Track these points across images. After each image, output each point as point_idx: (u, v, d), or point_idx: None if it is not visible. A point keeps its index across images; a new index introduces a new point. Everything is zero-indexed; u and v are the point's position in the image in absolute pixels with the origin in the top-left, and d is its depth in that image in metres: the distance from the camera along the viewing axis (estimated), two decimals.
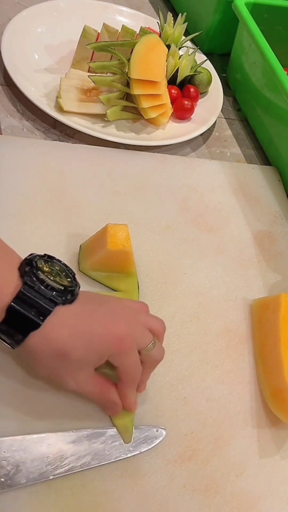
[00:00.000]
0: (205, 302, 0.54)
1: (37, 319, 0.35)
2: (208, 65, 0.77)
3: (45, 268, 0.38)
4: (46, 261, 0.39)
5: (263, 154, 0.74)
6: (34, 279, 0.36)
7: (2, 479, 0.37)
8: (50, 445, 0.40)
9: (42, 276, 0.36)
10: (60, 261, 0.40)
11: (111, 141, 0.62)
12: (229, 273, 0.57)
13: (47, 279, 0.36)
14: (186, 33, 0.73)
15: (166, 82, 0.68)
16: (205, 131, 0.70)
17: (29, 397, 0.42)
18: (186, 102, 0.69)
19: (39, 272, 0.36)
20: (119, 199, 0.59)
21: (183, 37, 0.72)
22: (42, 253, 0.39)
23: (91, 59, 0.69)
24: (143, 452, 0.43)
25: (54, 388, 0.43)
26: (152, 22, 0.78)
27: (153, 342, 0.41)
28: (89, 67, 0.67)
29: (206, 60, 0.75)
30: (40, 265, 0.37)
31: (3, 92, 0.65)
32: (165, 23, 0.70)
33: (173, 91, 0.70)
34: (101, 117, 0.65)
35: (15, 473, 0.38)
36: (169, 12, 0.71)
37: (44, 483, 0.39)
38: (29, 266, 0.37)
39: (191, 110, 0.69)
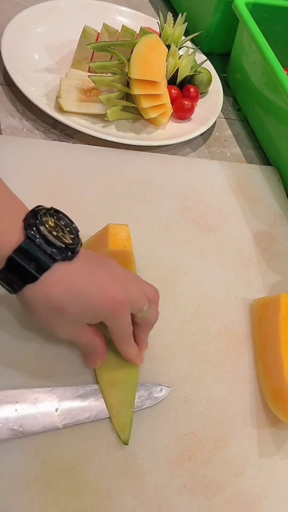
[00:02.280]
0: (205, 302, 0.54)
1: (35, 273, 0.36)
2: (208, 65, 0.77)
3: (50, 222, 0.38)
4: (51, 214, 0.39)
5: (263, 154, 0.74)
6: (37, 233, 0.36)
7: (15, 427, 0.40)
8: (58, 398, 0.42)
9: (45, 231, 0.36)
10: (66, 216, 0.40)
11: (111, 141, 0.62)
12: (229, 273, 0.57)
13: (49, 235, 0.37)
14: (186, 33, 0.73)
15: (166, 82, 0.68)
16: (205, 131, 0.70)
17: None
18: (186, 102, 0.69)
19: (42, 226, 0.37)
20: (119, 199, 0.59)
21: (183, 37, 0.72)
22: (49, 206, 0.39)
23: (91, 59, 0.69)
24: (147, 407, 0.45)
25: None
26: (152, 22, 0.78)
27: (148, 305, 0.42)
28: (89, 67, 0.67)
29: (206, 60, 0.75)
30: (45, 219, 0.37)
31: (3, 92, 0.65)
32: (165, 23, 0.70)
33: (173, 91, 0.70)
34: (101, 117, 0.65)
35: (26, 422, 0.40)
36: (169, 12, 0.71)
37: (44, 483, 0.39)
38: (34, 219, 0.37)
39: (191, 110, 0.69)
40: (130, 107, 0.66)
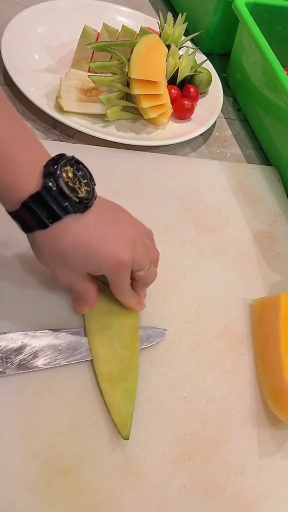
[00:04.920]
0: (205, 302, 0.54)
1: (46, 221, 0.37)
2: (208, 65, 0.77)
3: (69, 173, 0.38)
4: (72, 164, 0.39)
5: (263, 154, 0.74)
6: (54, 183, 0.37)
7: (22, 363, 0.43)
8: (62, 338, 0.45)
9: (62, 183, 0.37)
10: (86, 168, 0.41)
11: (111, 141, 0.62)
12: (229, 273, 0.57)
13: (66, 187, 0.37)
14: (186, 33, 0.73)
15: (166, 82, 0.68)
16: (205, 131, 0.70)
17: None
18: (186, 102, 0.69)
19: (60, 178, 0.37)
20: (119, 199, 0.58)
21: (183, 37, 0.72)
22: (71, 155, 0.40)
23: (91, 59, 0.69)
24: (145, 347, 0.48)
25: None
26: (152, 22, 0.78)
27: (149, 265, 0.45)
28: (89, 67, 0.67)
29: (206, 60, 0.75)
30: (65, 169, 0.38)
31: (3, 92, 0.65)
32: (165, 23, 0.70)
33: (173, 91, 0.70)
34: (101, 117, 0.65)
35: (32, 359, 0.43)
36: (169, 12, 0.71)
37: (44, 483, 0.39)
38: (54, 168, 0.37)
39: (191, 110, 0.69)
40: (130, 107, 0.66)
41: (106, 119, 0.64)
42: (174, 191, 0.62)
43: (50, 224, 0.38)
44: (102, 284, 0.49)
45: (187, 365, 0.49)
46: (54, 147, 0.60)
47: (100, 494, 0.40)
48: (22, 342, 0.44)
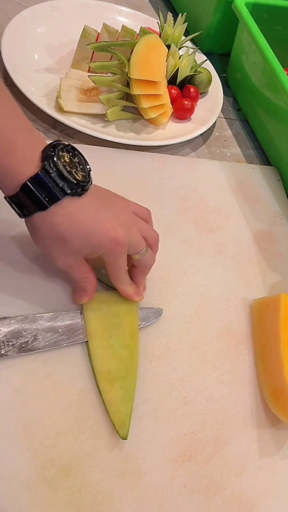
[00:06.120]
0: (205, 302, 0.54)
1: (45, 202, 0.39)
2: (208, 65, 0.77)
3: (65, 157, 0.40)
4: (68, 150, 0.41)
5: (263, 154, 0.74)
6: (52, 166, 0.39)
7: (23, 346, 0.44)
8: (61, 320, 0.46)
9: (60, 165, 0.39)
10: (81, 155, 0.43)
11: (111, 141, 0.62)
12: (229, 273, 0.57)
13: (63, 169, 0.39)
14: (186, 33, 0.73)
15: (166, 82, 0.68)
16: (205, 131, 0.70)
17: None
18: (186, 102, 0.69)
19: (58, 161, 0.39)
20: None
21: (183, 37, 0.72)
22: (67, 143, 0.42)
23: (91, 59, 0.69)
24: (142, 327, 0.49)
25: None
26: (152, 22, 0.78)
27: (146, 249, 0.45)
28: (89, 67, 0.67)
29: (206, 60, 0.75)
30: (62, 154, 0.40)
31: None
32: (165, 23, 0.70)
33: (173, 91, 0.70)
34: (101, 117, 0.65)
35: (33, 341, 0.44)
36: (169, 12, 0.71)
37: (44, 483, 0.39)
38: (52, 152, 0.39)
39: (191, 110, 0.69)
40: (130, 107, 0.66)
41: (106, 119, 0.64)
42: (174, 191, 0.62)
43: (49, 206, 0.39)
44: (105, 285, 0.49)
45: (187, 365, 0.49)
46: None
47: (100, 494, 0.40)
48: (22, 326, 0.44)
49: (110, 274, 0.46)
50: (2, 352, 0.42)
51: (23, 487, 0.39)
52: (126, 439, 0.42)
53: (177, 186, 0.63)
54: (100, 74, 0.65)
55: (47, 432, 0.41)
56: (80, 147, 0.62)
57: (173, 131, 0.68)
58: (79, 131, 0.61)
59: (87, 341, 0.46)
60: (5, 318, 0.44)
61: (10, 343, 0.43)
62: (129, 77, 0.62)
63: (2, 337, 0.43)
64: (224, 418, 0.47)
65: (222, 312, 0.54)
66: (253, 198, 0.66)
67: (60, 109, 0.63)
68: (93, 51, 0.67)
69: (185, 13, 0.70)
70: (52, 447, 0.41)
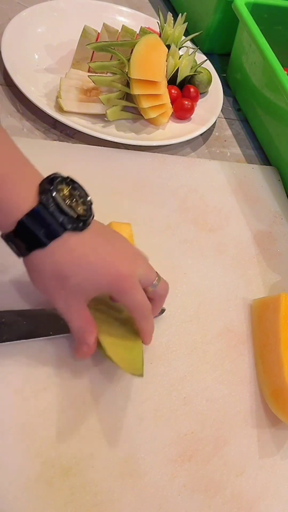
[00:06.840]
0: (205, 302, 0.54)
1: (44, 239, 0.37)
2: (208, 65, 0.77)
3: (64, 191, 0.38)
4: (67, 183, 0.39)
5: (263, 154, 0.74)
6: (50, 200, 0.36)
7: (24, 333, 0.44)
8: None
9: (59, 199, 0.37)
10: (81, 187, 0.40)
11: (111, 141, 0.62)
12: (229, 273, 0.57)
13: (62, 203, 0.37)
14: (186, 33, 0.73)
15: (166, 82, 0.68)
16: (205, 131, 0.70)
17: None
18: (186, 102, 0.69)
19: (56, 194, 0.37)
20: (119, 199, 0.59)
21: (183, 37, 0.72)
22: (66, 175, 0.39)
23: (91, 59, 0.69)
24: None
25: None
26: (152, 22, 0.78)
27: (158, 278, 0.44)
28: (89, 67, 0.67)
29: (206, 60, 0.75)
30: (61, 187, 0.38)
31: (3, 92, 0.65)
32: (165, 23, 0.70)
33: (173, 91, 0.70)
34: (101, 117, 0.65)
35: (34, 329, 0.44)
36: (169, 12, 0.71)
37: (44, 483, 0.39)
38: (49, 186, 0.37)
39: (191, 110, 0.69)
40: (130, 107, 0.66)
41: (106, 119, 0.64)
42: (174, 191, 0.62)
43: (48, 243, 0.37)
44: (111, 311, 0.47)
45: (187, 365, 0.49)
46: (54, 147, 0.61)
47: (100, 493, 0.40)
48: (23, 316, 0.44)
49: (135, 315, 0.42)
50: (4, 338, 0.42)
51: (23, 487, 0.39)
52: (142, 376, 0.41)
53: (177, 186, 0.63)
54: (100, 74, 0.65)
55: (47, 432, 0.41)
56: (80, 147, 0.62)
57: (173, 131, 0.68)
58: (79, 131, 0.61)
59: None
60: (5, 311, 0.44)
61: (11, 328, 0.43)
62: (129, 77, 0.62)
63: (3, 325, 0.43)
64: (224, 418, 0.47)
65: (222, 312, 0.54)
66: (253, 198, 0.66)
67: (60, 109, 0.63)
68: (93, 51, 0.67)
69: (185, 13, 0.70)
70: (52, 447, 0.41)
